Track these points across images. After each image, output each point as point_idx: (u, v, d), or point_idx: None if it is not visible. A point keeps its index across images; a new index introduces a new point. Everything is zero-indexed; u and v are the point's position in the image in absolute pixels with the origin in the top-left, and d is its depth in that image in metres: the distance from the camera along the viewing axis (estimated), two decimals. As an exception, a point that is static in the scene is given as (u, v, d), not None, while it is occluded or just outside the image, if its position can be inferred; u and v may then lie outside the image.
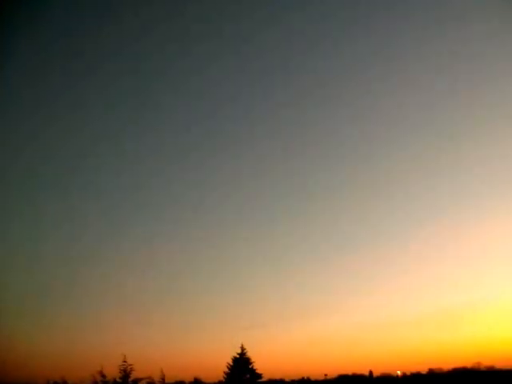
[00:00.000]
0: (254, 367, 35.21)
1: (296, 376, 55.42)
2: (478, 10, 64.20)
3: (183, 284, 65.91)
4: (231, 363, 35.45)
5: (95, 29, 68.24)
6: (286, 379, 55.11)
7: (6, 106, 62.66)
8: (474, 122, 70.35)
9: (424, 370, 59.62)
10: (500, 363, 53.49)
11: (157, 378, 25.50)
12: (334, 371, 58.21)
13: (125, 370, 24.69)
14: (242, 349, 35.34)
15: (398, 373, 56.55)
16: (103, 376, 24.41)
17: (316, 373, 55.72)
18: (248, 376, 34.40)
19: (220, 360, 40.93)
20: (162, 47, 72.82)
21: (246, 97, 77.88)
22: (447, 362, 61.39)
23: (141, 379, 24.56)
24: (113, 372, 24.68)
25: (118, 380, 24.30)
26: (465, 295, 60.24)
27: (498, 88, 69.09)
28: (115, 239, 67.13)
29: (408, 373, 58.39)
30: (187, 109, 76.35)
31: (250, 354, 35.36)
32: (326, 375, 54.25)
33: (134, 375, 24.74)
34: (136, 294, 62.17)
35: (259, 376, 34.91)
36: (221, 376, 35.20)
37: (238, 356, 35.25)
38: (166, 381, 25.90)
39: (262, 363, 37.14)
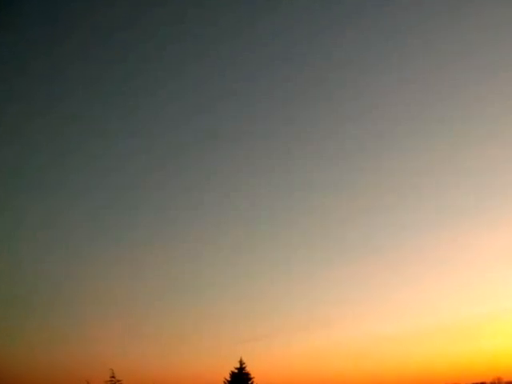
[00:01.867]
0: (254, 383, 35.17)
1: (299, 392, 55.39)
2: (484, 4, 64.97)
3: (177, 292, 65.43)
4: (229, 378, 35.37)
5: (82, 13, 67.93)
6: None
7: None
8: (491, 122, 70.34)
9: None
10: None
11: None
12: (341, 387, 57.95)
13: (112, 386, 24.49)
14: (241, 363, 35.22)
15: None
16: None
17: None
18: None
19: (217, 375, 40.61)
20: (155, 34, 72.49)
21: (246, 90, 77.60)
22: (465, 377, 60.68)
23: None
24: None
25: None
26: (484, 305, 59.72)
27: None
28: (104, 243, 66.60)
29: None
30: (184, 103, 76.00)
31: (249, 368, 35.38)
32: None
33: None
34: (126, 303, 61.64)
35: (260, 392, 34.78)
36: (218, 393, 35.14)
37: (236, 371, 35.14)
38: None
39: (262, 378, 37.05)
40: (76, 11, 67.09)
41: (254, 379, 35.18)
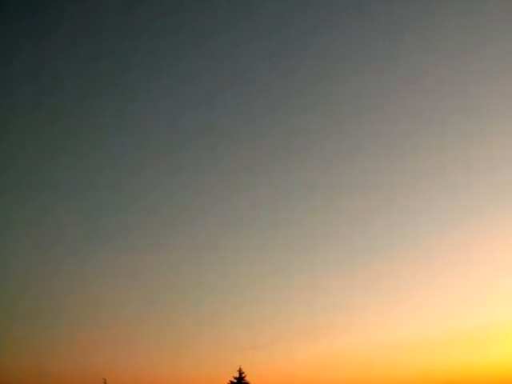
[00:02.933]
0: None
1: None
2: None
3: (174, 297, 64.66)
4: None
5: (71, 3, 67.36)
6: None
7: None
8: (502, 121, 69.98)
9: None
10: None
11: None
12: (345, 398, 57.11)
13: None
14: (240, 372, 35.38)
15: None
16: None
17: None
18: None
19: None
20: (149, 25, 71.88)
21: (243, 85, 77.08)
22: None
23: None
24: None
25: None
26: (496, 313, 58.92)
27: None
28: (93, 246, 65.81)
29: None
30: (178, 97, 75.37)
31: (249, 378, 35.72)
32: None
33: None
34: (120, 309, 60.90)
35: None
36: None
37: (235, 380, 35.14)
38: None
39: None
40: (65, 2, 66.67)
41: (254, 389, 34.75)
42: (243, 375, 35.39)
